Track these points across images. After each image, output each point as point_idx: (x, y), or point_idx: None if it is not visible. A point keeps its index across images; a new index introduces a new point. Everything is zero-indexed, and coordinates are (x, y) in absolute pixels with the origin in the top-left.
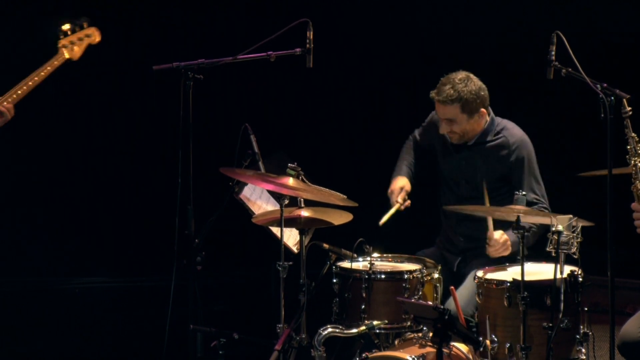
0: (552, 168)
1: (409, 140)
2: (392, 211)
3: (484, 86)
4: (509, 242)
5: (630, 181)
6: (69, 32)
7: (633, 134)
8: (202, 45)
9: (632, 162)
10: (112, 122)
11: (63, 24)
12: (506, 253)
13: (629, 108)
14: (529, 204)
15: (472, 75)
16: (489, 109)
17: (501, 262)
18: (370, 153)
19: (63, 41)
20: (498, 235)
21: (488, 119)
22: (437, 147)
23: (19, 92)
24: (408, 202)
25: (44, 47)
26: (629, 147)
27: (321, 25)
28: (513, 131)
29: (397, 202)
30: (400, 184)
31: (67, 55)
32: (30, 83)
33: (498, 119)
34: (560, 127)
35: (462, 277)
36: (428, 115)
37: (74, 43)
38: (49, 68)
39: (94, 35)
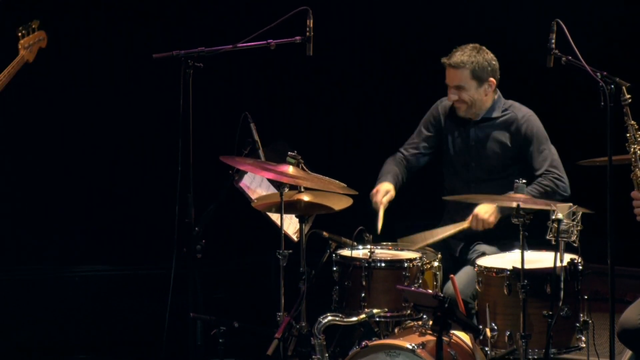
0: None
1: (393, 156)
2: (380, 216)
3: (495, 58)
4: (487, 216)
5: (630, 169)
6: (25, 34)
7: (632, 122)
8: (202, 34)
9: (632, 149)
10: (113, 111)
11: (18, 27)
12: (491, 219)
13: (629, 96)
14: (542, 175)
15: (484, 47)
16: (497, 89)
17: (504, 249)
18: (370, 141)
19: (23, 41)
20: (467, 222)
21: (496, 96)
22: (444, 130)
23: None
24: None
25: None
26: (628, 134)
27: (321, 13)
28: (520, 108)
29: (381, 203)
30: (386, 187)
31: (27, 58)
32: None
33: (504, 99)
34: (560, 115)
35: (464, 262)
36: (429, 102)
37: (31, 45)
38: (11, 70)
39: (44, 40)
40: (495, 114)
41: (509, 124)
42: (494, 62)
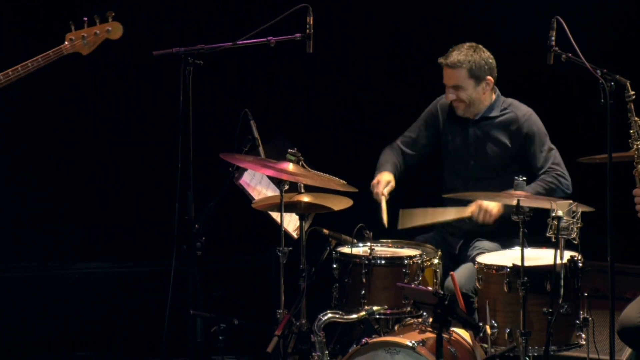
0: None
1: (390, 146)
2: (384, 207)
3: (492, 56)
4: (491, 207)
5: (631, 165)
6: (85, 25)
7: (636, 118)
8: (202, 31)
9: (635, 146)
10: (113, 108)
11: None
12: (494, 212)
13: (633, 92)
14: (545, 173)
15: (480, 46)
16: (496, 88)
17: (504, 246)
18: (370, 139)
19: (72, 34)
20: (469, 210)
21: (494, 96)
22: (442, 128)
23: None
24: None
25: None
26: (631, 131)
27: (321, 10)
28: (520, 106)
29: (382, 194)
30: (387, 178)
31: (69, 50)
32: (9, 74)
33: (503, 97)
34: (559, 113)
35: (464, 259)
36: (429, 99)
37: (87, 37)
38: (40, 60)
39: (114, 31)
40: (494, 113)
41: (509, 124)
42: (490, 61)
